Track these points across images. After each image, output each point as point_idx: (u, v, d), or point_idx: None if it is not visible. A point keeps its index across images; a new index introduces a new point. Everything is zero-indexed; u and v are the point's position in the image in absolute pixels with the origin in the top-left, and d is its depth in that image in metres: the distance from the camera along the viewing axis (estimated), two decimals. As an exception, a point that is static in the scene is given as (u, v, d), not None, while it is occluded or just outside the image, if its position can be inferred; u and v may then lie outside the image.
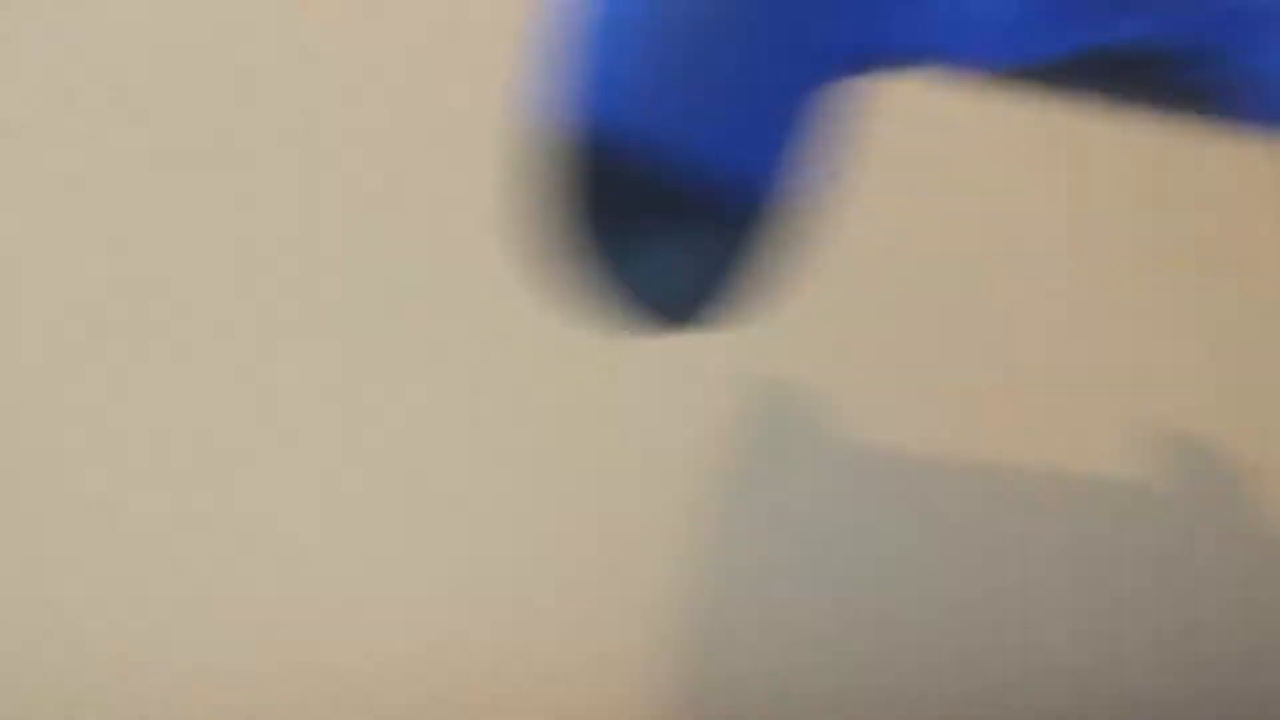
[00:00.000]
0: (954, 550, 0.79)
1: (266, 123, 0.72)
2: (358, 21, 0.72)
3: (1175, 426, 0.78)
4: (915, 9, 0.34)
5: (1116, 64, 0.34)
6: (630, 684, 0.79)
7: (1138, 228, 0.76)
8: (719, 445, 0.77)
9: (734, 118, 0.35)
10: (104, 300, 0.73)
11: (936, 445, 0.78)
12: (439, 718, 0.78)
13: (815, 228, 0.75)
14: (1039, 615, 0.80)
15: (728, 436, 0.77)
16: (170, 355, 0.74)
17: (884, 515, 0.78)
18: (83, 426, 0.74)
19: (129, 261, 0.73)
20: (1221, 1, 0.33)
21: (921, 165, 0.75)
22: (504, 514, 0.77)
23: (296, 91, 0.72)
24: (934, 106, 0.75)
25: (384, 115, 0.72)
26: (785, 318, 0.76)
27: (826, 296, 0.76)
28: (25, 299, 0.73)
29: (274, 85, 0.72)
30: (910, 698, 0.80)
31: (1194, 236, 0.77)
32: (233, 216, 0.73)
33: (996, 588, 0.79)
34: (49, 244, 0.73)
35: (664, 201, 0.36)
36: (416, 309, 0.75)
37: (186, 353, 0.74)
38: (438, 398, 0.75)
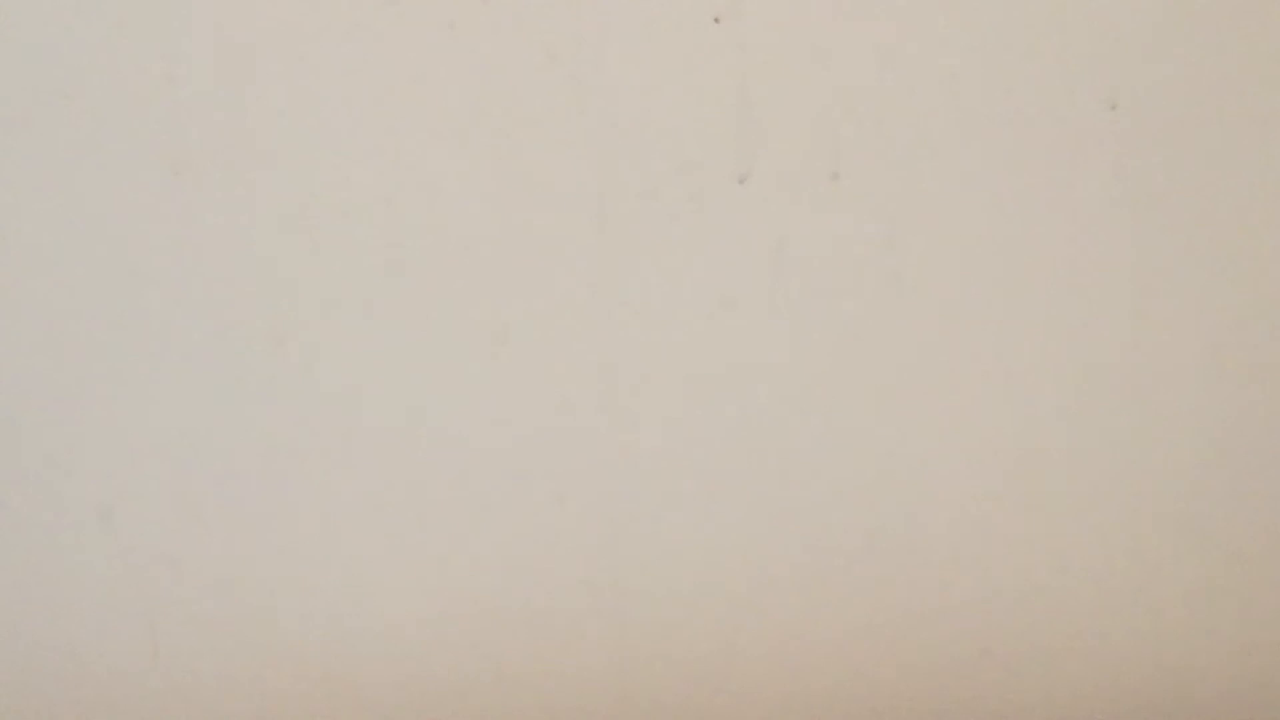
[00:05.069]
0: (954, 549, 0.79)
1: (269, 127, 0.72)
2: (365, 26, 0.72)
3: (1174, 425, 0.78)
4: None
5: None
6: (626, 686, 0.79)
7: (1137, 227, 0.76)
8: (719, 441, 0.77)
9: None
10: (105, 302, 0.73)
11: (936, 442, 0.78)
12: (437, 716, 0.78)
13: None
14: (1040, 614, 0.79)
15: (724, 431, 0.77)
16: (168, 358, 0.74)
17: (884, 510, 0.78)
18: (81, 427, 0.74)
19: (130, 264, 0.73)
20: None
21: (919, 164, 0.75)
22: (502, 514, 0.76)
23: (299, 96, 0.72)
24: (931, 101, 0.75)
25: (386, 119, 0.72)
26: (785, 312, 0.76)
27: (825, 293, 0.76)
28: (28, 302, 0.73)
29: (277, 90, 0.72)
30: (908, 695, 0.80)
31: (1193, 236, 0.76)
32: (233, 220, 0.73)
33: (997, 587, 0.79)
34: (54, 246, 0.73)
35: None
36: (422, 311, 0.74)
37: (184, 356, 0.74)
38: (436, 397, 0.75)
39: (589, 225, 0.74)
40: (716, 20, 0.73)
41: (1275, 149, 0.76)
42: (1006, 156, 0.75)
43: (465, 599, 0.77)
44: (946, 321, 0.76)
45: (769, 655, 0.78)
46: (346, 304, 0.74)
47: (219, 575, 0.76)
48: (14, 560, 0.75)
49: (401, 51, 0.72)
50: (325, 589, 0.76)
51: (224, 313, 0.74)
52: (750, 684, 0.79)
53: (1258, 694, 0.80)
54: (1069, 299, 0.76)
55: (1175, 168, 0.76)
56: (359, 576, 0.76)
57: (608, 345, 0.75)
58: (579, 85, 0.73)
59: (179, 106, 0.72)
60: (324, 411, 0.75)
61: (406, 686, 0.77)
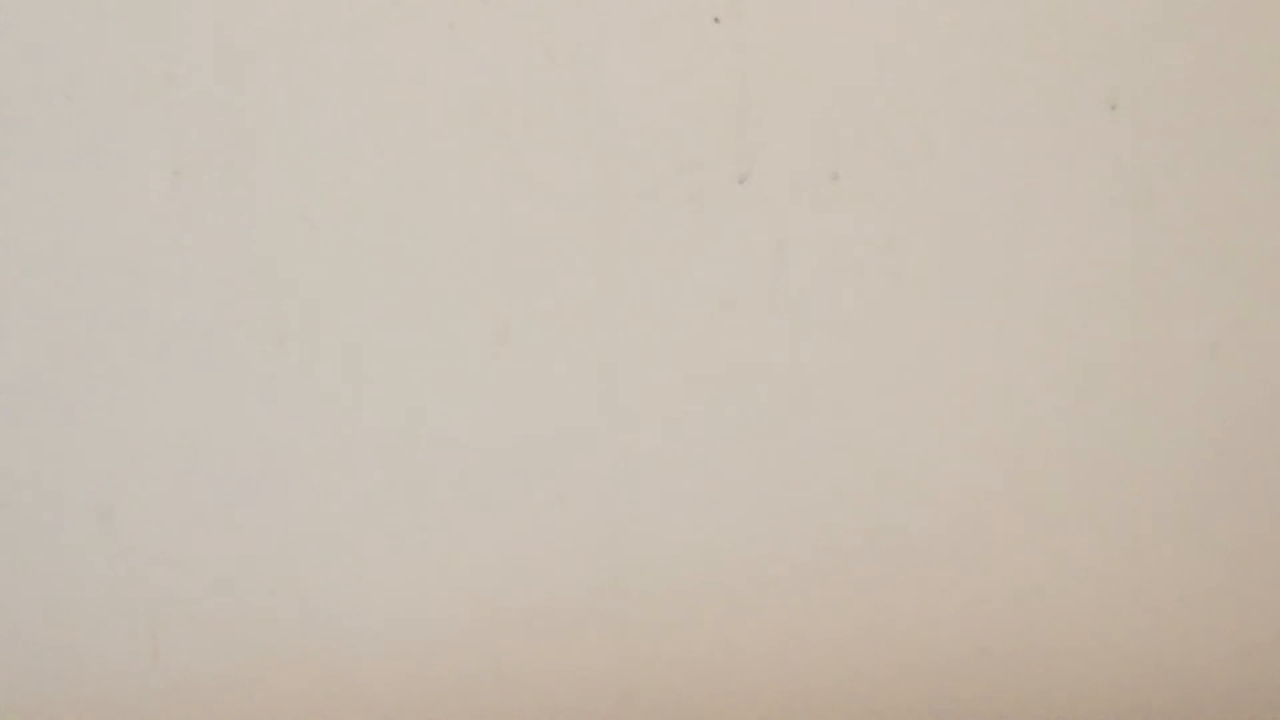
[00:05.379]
0: (954, 549, 0.79)
1: (269, 127, 0.72)
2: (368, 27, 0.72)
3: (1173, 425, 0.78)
4: None
5: None
6: (626, 688, 0.79)
7: (1137, 227, 0.76)
8: (719, 441, 0.77)
9: None
10: (105, 302, 0.73)
11: (936, 442, 0.78)
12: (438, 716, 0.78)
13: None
14: (1040, 614, 0.79)
15: (727, 431, 0.77)
16: (168, 358, 0.74)
17: (885, 509, 0.78)
18: (81, 427, 0.74)
19: (130, 264, 0.73)
20: None
21: (921, 164, 0.75)
22: (502, 514, 0.76)
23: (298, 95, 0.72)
24: (934, 101, 0.75)
25: (386, 119, 0.72)
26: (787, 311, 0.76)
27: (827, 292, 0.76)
28: (28, 302, 0.73)
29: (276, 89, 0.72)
30: (908, 695, 0.80)
31: (1194, 236, 0.77)
32: (233, 220, 0.73)
33: (997, 587, 0.79)
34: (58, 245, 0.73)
35: None
36: (422, 311, 0.74)
37: (184, 356, 0.74)
38: (436, 397, 0.75)
39: (589, 225, 0.74)
40: (716, 20, 0.73)
41: (1275, 149, 0.76)
42: (1006, 156, 0.75)
43: (465, 599, 0.77)
44: (946, 321, 0.76)
45: (769, 655, 0.78)
46: (346, 304, 0.74)
47: (219, 575, 0.76)
48: (14, 560, 0.75)
49: (401, 52, 0.72)
50: (325, 589, 0.76)
51: (224, 313, 0.74)
52: (750, 684, 0.79)
53: (1258, 694, 0.80)
54: (1069, 299, 0.76)
55: (1175, 168, 0.76)
56: (359, 576, 0.76)
57: (608, 345, 0.75)
58: (579, 85, 0.73)
59: (179, 107, 0.72)
60: (324, 411, 0.75)
61: (406, 686, 0.77)
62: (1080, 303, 0.77)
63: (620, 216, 0.74)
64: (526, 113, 0.73)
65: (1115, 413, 0.78)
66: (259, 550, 0.76)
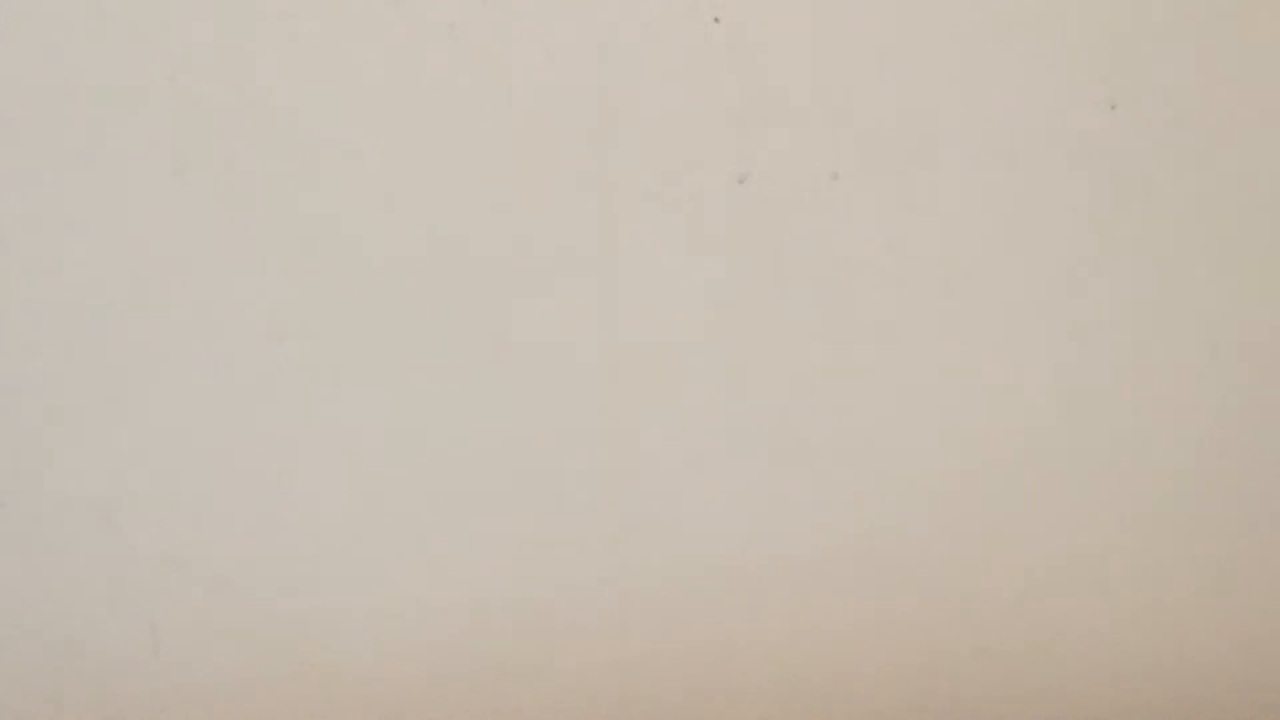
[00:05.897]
0: (954, 549, 0.79)
1: (269, 128, 0.72)
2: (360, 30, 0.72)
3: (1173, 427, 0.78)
4: None
5: None
6: (630, 687, 0.79)
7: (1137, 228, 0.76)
8: (719, 441, 0.77)
9: None
10: (106, 301, 0.73)
11: (937, 442, 0.78)
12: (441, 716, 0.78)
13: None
14: (1039, 614, 0.80)
15: (729, 434, 0.77)
16: (169, 357, 0.74)
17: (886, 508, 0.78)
18: (82, 426, 0.74)
19: (130, 264, 0.73)
20: None
21: (922, 163, 0.75)
22: (502, 514, 0.77)
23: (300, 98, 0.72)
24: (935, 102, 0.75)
25: (387, 119, 0.72)
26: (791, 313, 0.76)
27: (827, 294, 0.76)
28: (29, 302, 0.73)
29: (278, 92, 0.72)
30: (908, 694, 0.80)
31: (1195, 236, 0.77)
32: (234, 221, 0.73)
33: (996, 587, 0.79)
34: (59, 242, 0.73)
35: None
36: (422, 311, 0.75)
37: (184, 355, 0.74)
38: (436, 397, 0.75)
39: (590, 225, 0.74)
40: (716, 20, 0.73)
41: (1275, 149, 0.76)
42: (1006, 156, 0.75)
43: (465, 598, 0.77)
44: (946, 321, 0.76)
45: (769, 655, 0.79)
46: (347, 304, 0.74)
47: (220, 573, 0.76)
48: (16, 559, 0.75)
49: (401, 52, 0.72)
50: (325, 588, 0.76)
51: (224, 312, 0.74)
52: (751, 684, 0.79)
53: (1257, 694, 0.80)
54: (1069, 298, 0.77)
55: (1175, 168, 0.76)
56: (359, 575, 0.76)
57: (608, 345, 0.75)
58: (579, 85, 0.73)
59: (180, 106, 0.72)
60: (324, 411, 0.75)
61: (406, 684, 0.77)
62: (1080, 303, 0.77)
63: (620, 216, 0.74)
64: (526, 113, 0.73)
65: (1115, 412, 0.78)
66: (259, 550, 0.76)
